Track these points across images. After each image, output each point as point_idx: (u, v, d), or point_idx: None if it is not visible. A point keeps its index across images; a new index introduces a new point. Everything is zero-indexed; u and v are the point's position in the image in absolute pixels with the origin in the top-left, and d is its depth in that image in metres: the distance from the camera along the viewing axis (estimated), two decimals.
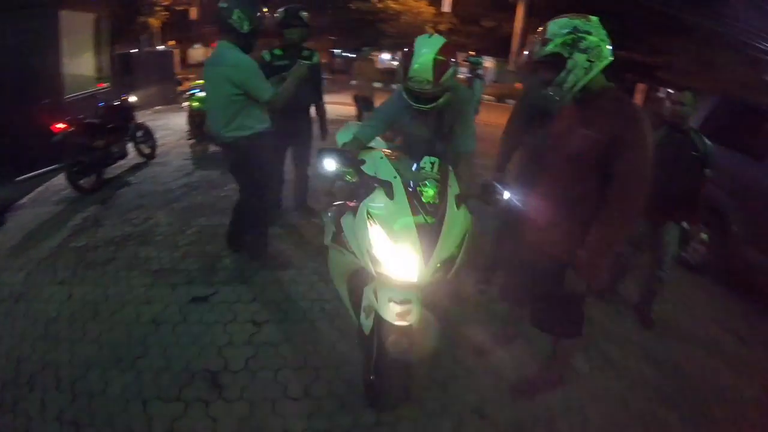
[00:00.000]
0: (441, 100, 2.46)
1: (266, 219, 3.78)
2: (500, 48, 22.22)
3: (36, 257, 3.77)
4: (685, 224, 3.45)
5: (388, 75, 18.66)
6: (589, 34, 1.94)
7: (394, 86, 16.62)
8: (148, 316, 3.09)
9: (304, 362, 2.80)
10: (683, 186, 3.21)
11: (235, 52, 3.09)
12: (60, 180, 5.34)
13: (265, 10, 3.47)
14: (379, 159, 2.46)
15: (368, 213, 2.17)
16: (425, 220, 2.16)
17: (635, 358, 3.18)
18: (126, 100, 6.40)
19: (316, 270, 3.73)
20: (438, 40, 2.38)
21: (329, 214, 2.98)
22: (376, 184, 2.27)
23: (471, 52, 10.04)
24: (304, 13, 3.97)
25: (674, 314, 3.81)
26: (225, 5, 3.08)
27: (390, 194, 2.20)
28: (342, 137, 3.68)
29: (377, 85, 9.95)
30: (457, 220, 2.26)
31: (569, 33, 1.95)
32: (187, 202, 5.04)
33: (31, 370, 2.62)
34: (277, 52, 4.01)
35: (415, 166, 2.35)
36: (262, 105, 3.24)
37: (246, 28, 3.10)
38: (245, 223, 3.71)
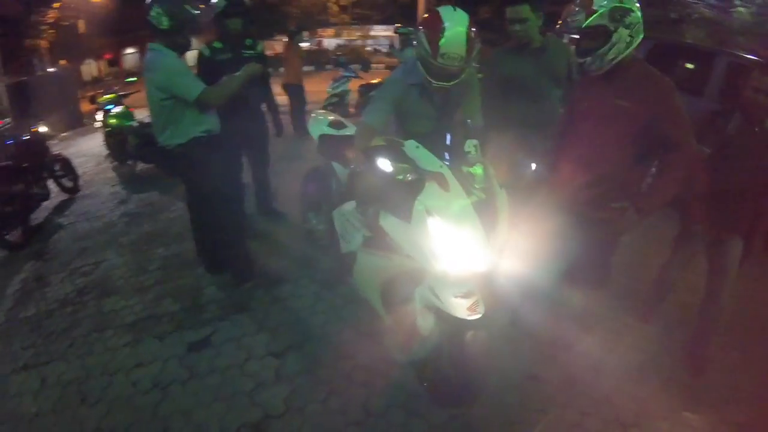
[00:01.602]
0: (463, 76, 2.32)
1: (241, 232, 3.40)
2: (405, 16, 22.04)
3: None
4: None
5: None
6: (632, 10, 2.04)
7: (328, 67, 16.12)
8: (147, 381, 2.64)
9: (348, 381, 2.55)
10: (761, 195, 2.53)
11: (156, 54, 2.78)
12: None
13: (201, 5, 3.11)
14: (415, 149, 2.23)
15: (425, 209, 2.05)
16: (478, 197, 2.12)
17: None
18: (36, 132, 5.59)
19: (313, 277, 3.44)
20: (464, 14, 2.23)
21: (345, 217, 2.77)
22: (427, 178, 2.12)
23: (398, 24, 9.87)
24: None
25: None
26: (147, 2, 2.71)
27: (445, 185, 2.08)
28: (316, 130, 3.35)
29: (307, 69, 9.45)
30: (503, 198, 2.21)
31: (616, 7, 2.03)
32: (135, 233, 4.44)
33: None
34: (217, 45, 3.55)
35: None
36: (200, 107, 2.88)
37: (165, 24, 2.75)
38: (220, 243, 3.30)
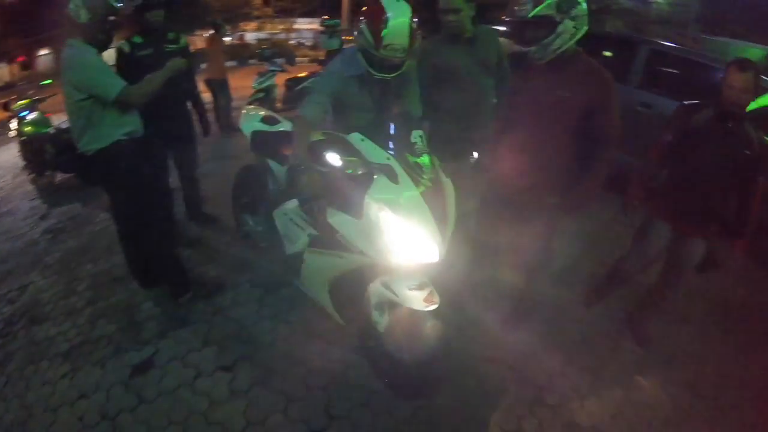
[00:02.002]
0: (404, 67, 2.31)
1: (173, 242, 3.22)
2: (329, 8, 21.59)
3: None
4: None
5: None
6: (579, 2, 2.12)
7: (251, 62, 15.48)
8: (94, 413, 2.45)
9: (306, 387, 2.49)
10: (725, 193, 2.52)
11: (71, 51, 2.54)
12: None
13: None
14: (360, 141, 2.18)
15: (376, 203, 2.03)
16: (426, 187, 2.13)
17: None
18: None
19: (254, 283, 3.31)
20: (406, 5, 2.20)
21: (288, 216, 2.65)
22: (375, 171, 2.09)
23: (325, 17, 9.55)
24: None
25: None
26: None
27: (393, 178, 2.07)
28: (248, 126, 3.19)
29: (230, 64, 9.06)
30: (450, 188, 2.22)
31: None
32: (60, 251, 4.08)
33: None
34: (137, 40, 3.26)
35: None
36: (119, 106, 2.66)
37: (84, 17, 2.51)
38: (149, 253, 3.10)
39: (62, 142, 5.32)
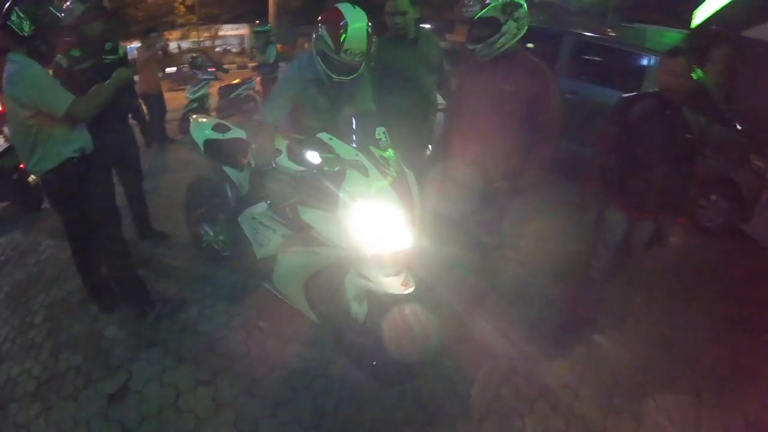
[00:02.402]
0: (360, 70, 2.44)
1: (128, 259, 3.09)
2: (255, 13, 21.00)
3: None
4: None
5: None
6: (521, 5, 2.35)
7: (168, 71, 14.83)
8: None
9: (290, 389, 2.55)
10: (671, 176, 2.56)
11: (15, 65, 2.40)
12: None
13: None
14: (330, 140, 2.27)
15: (350, 196, 2.13)
16: (393, 178, 2.25)
17: None
18: None
19: (218, 295, 3.28)
20: (362, 12, 2.33)
21: (257, 220, 2.67)
22: (347, 167, 2.20)
23: (257, 21, 9.61)
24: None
25: None
26: (7, 6, 2.35)
27: (364, 172, 2.19)
28: (199, 135, 3.13)
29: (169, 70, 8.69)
30: (412, 178, 2.34)
31: (509, 2, 2.33)
32: (6, 284, 3.81)
33: None
34: (75, 53, 3.10)
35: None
36: (68, 122, 2.55)
37: (27, 30, 2.39)
38: (110, 274, 3.02)
39: None
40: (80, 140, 2.67)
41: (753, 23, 7.53)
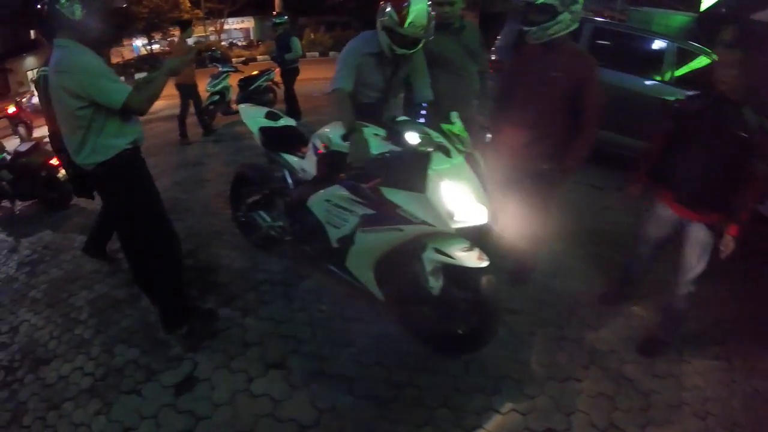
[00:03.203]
0: (420, 45, 2.69)
1: (178, 263, 2.95)
2: (260, 6, 20.94)
3: None
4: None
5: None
6: (578, 2, 2.55)
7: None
8: None
9: (361, 365, 2.66)
10: (722, 176, 2.46)
11: (65, 52, 2.29)
12: None
13: None
14: (411, 124, 2.40)
15: (438, 175, 2.25)
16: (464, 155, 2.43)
17: None
18: None
19: (273, 280, 3.35)
20: None
21: (331, 202, 2.72)
22: (431, 148, 2.32)
23: (274, 12, 9.45)
24: None
25: None
26: None
27: (447, 153, 2.36)
28: (253, 123, 3.36)
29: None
30: (479, 158, 2.51)
31: None
32: (44, 282, 3.71)
33: None
34: None
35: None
36: (125, 114, 2.45)
37: (78, 14, 2.28)
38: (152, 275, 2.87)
39: (21, 167, 4.91)
40: (134, 132, 2.56)
41: (760, 8, 7.80)
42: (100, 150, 2.45)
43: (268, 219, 3.47)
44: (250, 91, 8.28)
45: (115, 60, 24.06)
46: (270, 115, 3.43)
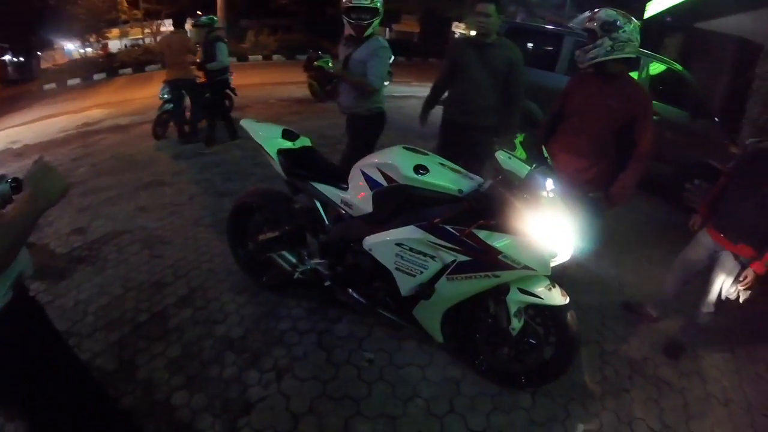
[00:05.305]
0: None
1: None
2: (205, 7, 18.72)
3: None
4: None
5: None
6: (623, 30, 2.63)
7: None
8: None
9: (437, 416, 2.49)
10: (760, 212, 2.54)
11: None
12: None
13: None
14: (509, 160, 2.15)
15: (547, 217, 2.10)
16: None
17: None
18: None
19: (296, 329, 2.99)
20: None
21: (407, 246, 2.37)
22: (552, 194, 2.14)
23: (198, 12, 8.20)
24: None
25: None
26: None
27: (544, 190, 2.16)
28: (270, 145, 2.89)
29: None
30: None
31: (610, 22, 2.64)
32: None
33: None
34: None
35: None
36: None
37: None
38: None
39: None
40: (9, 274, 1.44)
41: (704, 18, 8.27)
42: None
43: (294, 260, 3.01)
44: (206, 98, 6.99)
45: (45, 65, 22.13)
46: (287, 135, 2.93)
